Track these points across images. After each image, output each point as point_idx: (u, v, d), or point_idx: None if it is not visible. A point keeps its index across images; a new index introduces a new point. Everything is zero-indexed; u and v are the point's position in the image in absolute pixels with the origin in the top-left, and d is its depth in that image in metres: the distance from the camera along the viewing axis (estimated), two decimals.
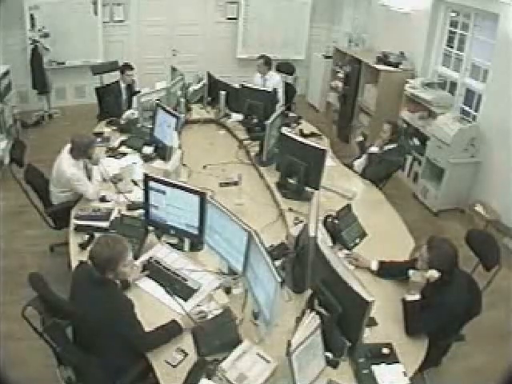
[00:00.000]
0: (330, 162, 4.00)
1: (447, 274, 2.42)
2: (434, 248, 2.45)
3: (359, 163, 4.12)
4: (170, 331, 2.33)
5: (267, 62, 5.52)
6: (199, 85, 5.17)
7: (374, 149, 4.12)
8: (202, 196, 2.71)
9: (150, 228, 3.02)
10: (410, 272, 2.53)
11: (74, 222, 3.09)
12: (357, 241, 3.09)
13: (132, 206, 3.28)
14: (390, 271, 2.79)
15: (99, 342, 2.28)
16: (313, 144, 3.53)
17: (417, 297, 2.46)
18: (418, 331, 2.42)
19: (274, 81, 5.51)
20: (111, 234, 2.79)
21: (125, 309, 2.25)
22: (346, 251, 2.98)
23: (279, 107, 4.96)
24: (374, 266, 2.83)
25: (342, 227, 3.07)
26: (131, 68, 5.10)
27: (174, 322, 2.35)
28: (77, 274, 2.44)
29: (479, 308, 2.59)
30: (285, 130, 3.82)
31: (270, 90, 4.80)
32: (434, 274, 2.42)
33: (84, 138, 3.49)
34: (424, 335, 2.42)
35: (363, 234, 3.16)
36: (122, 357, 2.30)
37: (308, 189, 3.53)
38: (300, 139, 3.65)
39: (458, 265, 2.49)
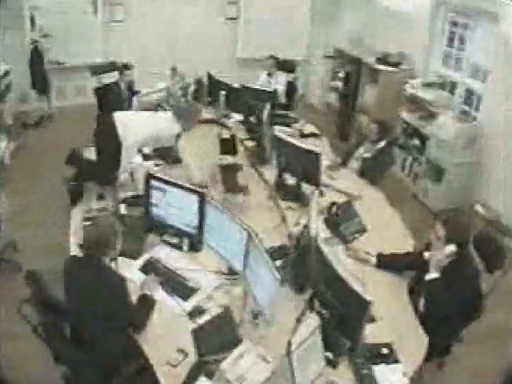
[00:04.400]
0: (329, 162, 4.01)
1: (465, 245, 2.48)
2: (449, 222, 2.52)
3: (351, 163, 4.11)
4: (147, 303, 2.41)
5: (278, 63, 5.55)
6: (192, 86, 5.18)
7: (366, 155, 4.09)
8: (201, 196, 2.71)
9: (151, 228, 3.02)
10: (426, 254, 2.56)
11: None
12: (356, 235, 3.11)
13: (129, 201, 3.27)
14: (390, 264, 2.81)
15: (95, 335, 2.29)
16: (307, 147, 3.48)
17: (436, 274, 2.49)
18: (441, 313, 2.44)
19: (282, 80, 5.52)
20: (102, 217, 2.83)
21: (118, 286, 2.30)
22: (345, 245, 3.01)
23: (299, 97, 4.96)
24: (373, 260, 2.85)
25: (343, 220, 3.10)
26: (129, 68, 5.10)
27: (143, 295, 2.44)
28: (67, 266, 2.43)
29: (480, 309, 2.58)
30: (285, 130, 3.82)
31: (270, 89, 4.80)
32: (452, 248, 2.46)
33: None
34: (423, 335, 2.42)
35: (363, 230, 3.17)
36: (118, 354, 2.32)
37: (307, 190, 3.51)
38: (294, 142, 3.59)
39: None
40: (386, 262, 2.83)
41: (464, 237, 2.49)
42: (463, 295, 2.41)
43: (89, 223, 2.56)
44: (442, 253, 2.50)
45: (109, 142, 3.36)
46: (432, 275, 2.51)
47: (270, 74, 5.57)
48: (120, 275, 2.37)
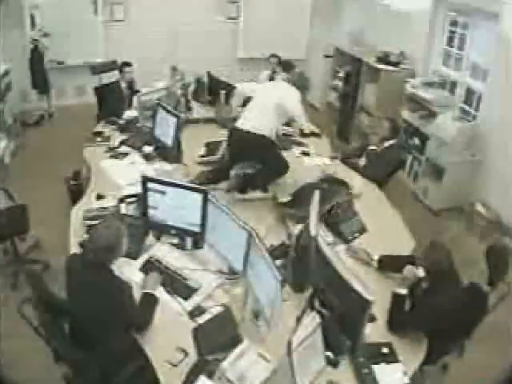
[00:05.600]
0: (328, 161, 4.01)
1: (436, 278, 2.40)
2: (428, 248, 2.47)
3: (362, 161, 4.10)
4: (150, 302, 2.41)
5: (280, 61, 5.55)
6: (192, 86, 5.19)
7: (372, 147, 4.09)
8: (204, 194, 2.71)
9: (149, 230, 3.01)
10: (406, 267, 2.54)
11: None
12: (356, 235, 3.11)
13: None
14: (391, 265, 2.79)
15: (96, 335, 2.28)
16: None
17: (404, 291, 2.46)
18: (400, 328, 2.40)
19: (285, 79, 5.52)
20: (109, 219, 2.79)
21: (125, 291, 2.29)
22: (346, 245, 3.02)
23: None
24: (375, 261, 2.84)
25: (343, 220, 3.12)
26: (129, 65, 5.10)
27: (146, 294, 2.43)
28: (70, 266, 2.42)
29: (480, 317, 2.55)
30: (285, 129, 3.81)
31: None
32: (420, 272, 2.43)
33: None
34: (422, 335, 2.42)
35: (363, 230, 3.17)
36: (119, 353, 2.32)
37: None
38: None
39: (449, 273, 2.44)
40: (388, 264, 2.81)
41: (433, 269, 2.40)
42: (427, 323, 2.37)
43: (96, 225, 2.46)
44: (414, 272, 2.47)
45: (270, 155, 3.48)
46: (400, 290, 2.46)
47: (274, 73, 5.55)
48: (126, 281, 2.35)
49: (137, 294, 2.46)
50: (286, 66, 6.15)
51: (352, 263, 2.86)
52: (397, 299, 2.46)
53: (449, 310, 2.34)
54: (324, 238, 2.60)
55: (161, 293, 2.56)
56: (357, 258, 2.91)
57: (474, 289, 2.53)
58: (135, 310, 2.35)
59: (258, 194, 3.49)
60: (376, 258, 2.85)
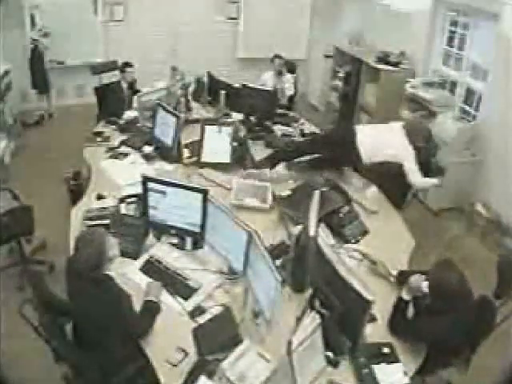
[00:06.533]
0: None
1: (440, 298, 2.32)
2: (438, 267, 2.38)
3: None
4: (151, 310, 2.39)
5: (286, 62, 5.54)
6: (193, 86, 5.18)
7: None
8: (204, 193, 2.71)
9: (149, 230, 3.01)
10: (416, 275, 2.47)
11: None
12: (359, 238, 3.11)
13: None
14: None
15: (97, 337, 2.28)
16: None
17: (407, 298, 2.42)
18: (401, 333, 2.38)
19: (291, 80, 5.52)
20: (89, 231, 2.65)
21: (122, 303, 2.27)
22: (349, 245, 3.01)
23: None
24: (393, 276, 2.76)
25: (345, 223, 3.11)
26: (131, 65, 5.10)
27: (148, 301, 2.41)
28: (69, 270, 2.42)
29: (487, 333, 2.51)
30: (285, 129, 3.81)
31: (270, 89, 4.81)
32: (423, 286, 2.37)
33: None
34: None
35: (365, 232, 3.17)
36: (119, 353, 2.31)
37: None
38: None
39: (457, 295, 2.30)
40: (407, 279, 2.75)
41: (438, 284, 2.28)
42: (428, 340, 2.33)
43: (77, 244, 2.32)
44: (417, 282, 2.39)
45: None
46: (404, 295, 2.42)
47: (280, 73, 5.52)
48: (124, 290, 2.34)
49: (137, 296, 2.46)
50: (292, 67, 6.19)
51: (354, 264, 2.84)
52: (399, 303, 2.43)
53: (451, 331, 2.27)
54: (325, 239, 2.60)
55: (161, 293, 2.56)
56: (375, 272, 2.81)
57: (485, 303, 2.45)
58: (135, 320, 2.32)
59: (255, 203, 3.47)
60: (394, 272, 2.76)
